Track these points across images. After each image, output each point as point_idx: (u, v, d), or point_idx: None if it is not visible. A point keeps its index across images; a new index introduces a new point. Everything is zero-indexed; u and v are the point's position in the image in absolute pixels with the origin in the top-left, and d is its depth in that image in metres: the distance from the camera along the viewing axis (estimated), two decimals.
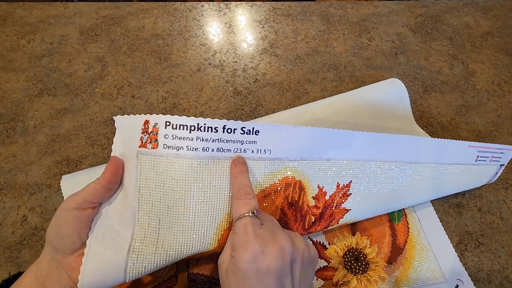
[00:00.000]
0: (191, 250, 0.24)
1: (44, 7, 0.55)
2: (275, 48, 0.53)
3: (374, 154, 0.31)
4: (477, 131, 0.45)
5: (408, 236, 0.35)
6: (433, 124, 0.45)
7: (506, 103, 0.48)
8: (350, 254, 0.34)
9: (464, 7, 0.61)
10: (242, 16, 0.57)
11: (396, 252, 0.34)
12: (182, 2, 0.58)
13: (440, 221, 0.37)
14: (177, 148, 0.24)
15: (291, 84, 0.48)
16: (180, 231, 0.24)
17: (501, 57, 0.53)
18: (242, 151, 0.25)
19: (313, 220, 0.29)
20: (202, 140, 0.24)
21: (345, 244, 0.35)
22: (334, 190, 0.30)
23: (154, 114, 0.23)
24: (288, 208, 0.28)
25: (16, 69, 0.47)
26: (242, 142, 0.25)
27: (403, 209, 0.37)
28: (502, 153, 0.36)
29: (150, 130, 0.23)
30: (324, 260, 0.33)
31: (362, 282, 0.32)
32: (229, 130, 0.24)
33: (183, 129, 0.23)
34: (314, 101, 0.42)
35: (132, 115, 0.24)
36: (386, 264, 0.34)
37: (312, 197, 0.29)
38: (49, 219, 0.35)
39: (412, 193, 0.33)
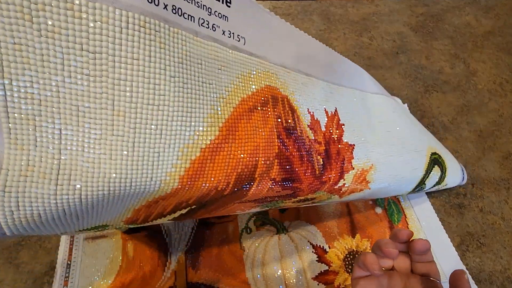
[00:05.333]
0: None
1: None
2: None
3: (350, 82, 0.31)
4: (479, 131, 0.44)
5: None
6: (434, 124, 0.45)
7: (507, 102, 0.48)
8: (351, 257, 0.34)
9: (466, 6, 0.61)
10: None
11: None
12: None
13: (442, 222, 0.37)
14: None
15: None
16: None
17: (503, 57, 0.53)
18: (210, 27, 0.18)
19: (321, 163, 0.25)
20: None
21: (345, 247, 0.34)
22: (326, 119, 0.27)
23: None
24: (287, 136, 0.22)
25: None
26: (210, 10, 0.18)
27: (403, 209, 0.37)
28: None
29: None
30: (324, 264, 0.33)
31: None
32: None
33: None
34: None
35: None
36: None
37: (308, 126, 0.25)
38: None
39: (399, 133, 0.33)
